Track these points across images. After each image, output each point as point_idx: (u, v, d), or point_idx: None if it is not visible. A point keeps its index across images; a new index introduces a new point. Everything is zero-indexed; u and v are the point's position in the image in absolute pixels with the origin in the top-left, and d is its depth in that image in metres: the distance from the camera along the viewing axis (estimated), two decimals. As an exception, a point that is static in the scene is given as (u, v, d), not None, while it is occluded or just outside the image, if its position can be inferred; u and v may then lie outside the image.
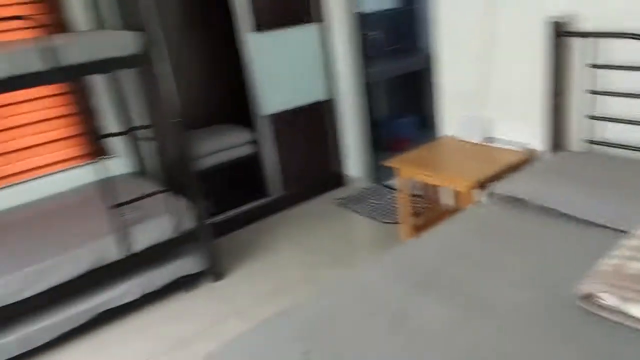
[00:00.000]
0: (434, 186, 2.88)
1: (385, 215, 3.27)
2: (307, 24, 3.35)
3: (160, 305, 2.63)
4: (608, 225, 1.69)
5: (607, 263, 1.38)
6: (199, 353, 1.92)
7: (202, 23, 3.49)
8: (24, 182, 2.88)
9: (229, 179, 3.62)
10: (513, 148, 2.51)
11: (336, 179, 3.79)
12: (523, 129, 2.48)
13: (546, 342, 1.27)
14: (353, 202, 3.51)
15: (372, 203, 3.46)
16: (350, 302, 1.53)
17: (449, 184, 2.49)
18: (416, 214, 2.85)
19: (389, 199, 3.46)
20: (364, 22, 4.35)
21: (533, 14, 2.26)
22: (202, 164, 3.19)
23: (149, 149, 3.15)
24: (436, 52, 2.78)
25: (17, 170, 2.87)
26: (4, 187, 2.82)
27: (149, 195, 2.54)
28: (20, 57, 2.04)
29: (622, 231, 1.61)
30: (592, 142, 2.22)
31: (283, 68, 3.32)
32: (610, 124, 2.16)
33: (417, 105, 4.61)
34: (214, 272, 2.77)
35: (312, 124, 3.57)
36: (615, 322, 1.28)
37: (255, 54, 3.16)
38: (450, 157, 2.65)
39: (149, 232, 2.51)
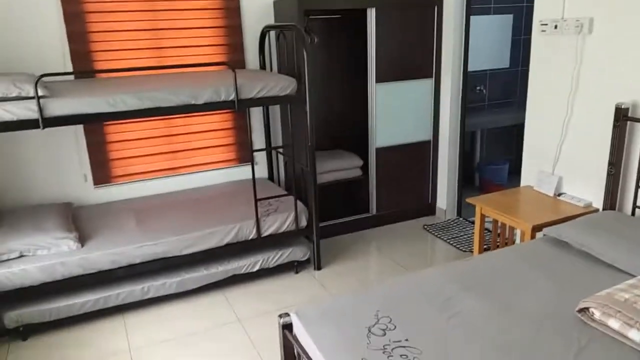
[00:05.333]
0: (506, 225, 3.41)
1: (463, 244, 3.84)
2: (423, 79, 4.08)
3: (273, 279, 3.46)
4: (622, 269, 2.19)
5: (604, 291, 1.91)
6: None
7: (345, 72, 4.36)
8: (193, 173, 3.95)
9: (339, 194, 4.42)
10: (577, 204, 2.99)
11: (427, 208, 4.42)
12: (588, 190, 2.96)
13: (545, 333, 1.84)
14: (437, 229, 4.12)
15: (454, 232, 4.04)
16: (413, 289, 2.18)
17: (515, 224, 3.03)
18: (488, 246, 3.38)
19: (469, 231, 4.02)
20: (475, 79, 4.97)
21: (607, 99, 2.78)
22: (320, 178, 4.00)
23: (279, 161, 4.06)
24: (527, 113, 3.34)
25: (189, 164, 3.92)
26: (181, 175, 3.90)
27: (281, 196, 3.41)
28: (220, 90, 2.97)
29: (632, 275, 2.11)
30: (641, 208, 2.67)
31: (398, 112, 4.07)
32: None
33: (514, 155, 5.10)
34: (317, 263, 3.54)
35: (414, 158, 4.26)
36: (598, 329, 1.82)
37: (377, 99, 3.96)
38: (522, 203, 3.18)
39: (276, 223, 3.35)
